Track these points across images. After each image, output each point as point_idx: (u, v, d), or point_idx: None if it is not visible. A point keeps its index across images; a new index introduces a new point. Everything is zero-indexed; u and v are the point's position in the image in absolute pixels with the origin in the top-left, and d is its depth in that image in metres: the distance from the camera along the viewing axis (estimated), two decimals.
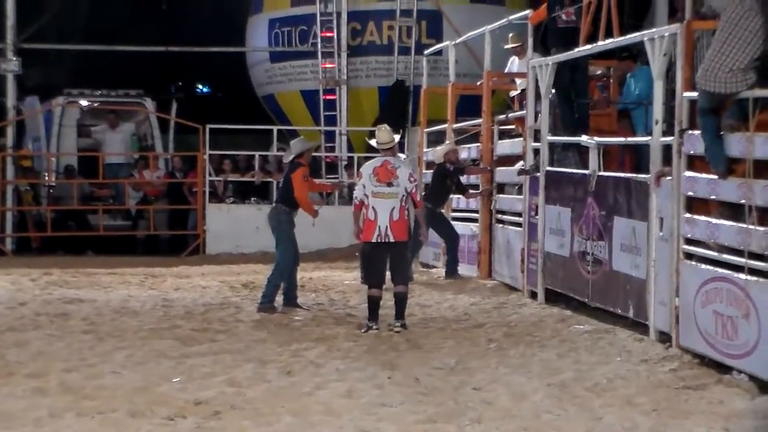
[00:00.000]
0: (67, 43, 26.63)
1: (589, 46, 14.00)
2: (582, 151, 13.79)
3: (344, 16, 24.36)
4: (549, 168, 14.33)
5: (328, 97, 24.49)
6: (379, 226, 12.62)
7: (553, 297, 14.21)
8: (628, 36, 12.87)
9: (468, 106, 19.27)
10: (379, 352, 11.42)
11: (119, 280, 17.63)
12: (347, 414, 8.84)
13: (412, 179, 12.82)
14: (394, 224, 12.62)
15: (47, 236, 22.28)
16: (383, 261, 12.85)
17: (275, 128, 23.31)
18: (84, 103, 24.34)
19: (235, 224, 21.93)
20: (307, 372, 10.38)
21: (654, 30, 12.04)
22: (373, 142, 13.56)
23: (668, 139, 11.26)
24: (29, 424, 8.49)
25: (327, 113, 24.30)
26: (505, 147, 16.86)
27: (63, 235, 22.23)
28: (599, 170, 12.93)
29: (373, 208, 12.66)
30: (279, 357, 11.03)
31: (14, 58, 22.87)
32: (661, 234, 11.28)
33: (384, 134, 13.17)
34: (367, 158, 19.93)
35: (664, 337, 11.15)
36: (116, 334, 12.47)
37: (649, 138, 11.83)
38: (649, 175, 11.53)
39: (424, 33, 24.52)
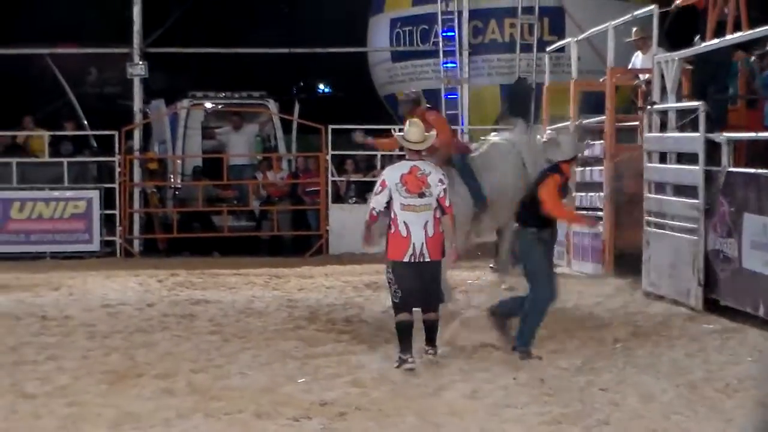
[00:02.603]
0: (191, 46, 26.95)
1: (716, 40, 13.75)
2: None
3: (465, 14, 24.25)
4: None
5: (450, 96, 24.42)
6: (414, 244, 10.72)
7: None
8: (758, 29, 12.61)
9: (591, 103, 19.04)
10: (503, 352, 11.33)
11: (244, 280, 17.77)
12: (471, 415, 8.81)
13: (441, 183, 10.86)
14: (430, 241, 10.75)
15: (173, 237, 22.58)
16: (417, 282, 10.81)
17: (397, 128, 23.28)
18: (208, 105, 24.61)
19: (357, 224, 21.82)
20: (431, 372, 10.35)
21: None
22: (400, 139, 11.14)
23: None
24: (158, 425, 8.61)
25: (449, 112, 24.22)
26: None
27: (189, 237, 22.51)
28: (729, 166, 12.68)
29: (404, 223, 10.73)
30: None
31: (140, 63, 23.20)
32: None
33: (415, 131, 11.01)
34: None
35: None
36: (242, 335, 12.58)
37: None
38: None
39: (546, 30, 24.31)
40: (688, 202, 13.82)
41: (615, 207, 16.78)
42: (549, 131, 18.08)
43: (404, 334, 10.75)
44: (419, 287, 10.79)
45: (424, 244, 10.72)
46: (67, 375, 10.40)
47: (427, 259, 10.75)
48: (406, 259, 10.73)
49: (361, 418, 8.78)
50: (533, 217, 11.11)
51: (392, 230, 10.82)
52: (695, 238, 13.48)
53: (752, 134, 13.51)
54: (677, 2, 15.22)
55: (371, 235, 11.18)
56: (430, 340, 11.00)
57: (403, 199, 10.74)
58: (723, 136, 12.90)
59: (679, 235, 14.02)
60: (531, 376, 10.13)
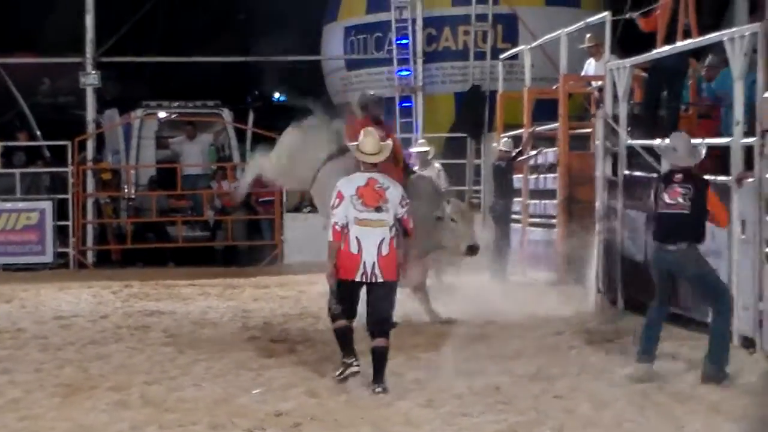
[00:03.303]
0: (144, 55, 26.85)
1: (667, 47, 13.84)
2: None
3: (419, 22, 24.30)
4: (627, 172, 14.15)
5: (404, 104, 24.46)
6: (365, 262, 9.95)
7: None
8: (707, 36, 12.70)
9: (544, 110, 19.12)
10: (458, 360, 11.34)
11: (198, 291, 17.73)
12: (427, 424, 8.82)
13: (404, 203, 10.18)
14: (383, 260, 9.96)
15: (127, 248, 22.47)
16: (357, 297, 10.15)
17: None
18: (162, 114, 24.53)
19: (312, 233, 21.89)
20: (387, 382, 10.34)
21: (734, 29, 11.86)
22: (353, 150, 10.43)
23: (750, 140, 11.08)
24: None
25: (403, 120, 24.26)
26: None
27: (143, 247, 22.41)
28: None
29: (356, 238, 9.98)
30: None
31: (94, 72, 23.09)
32: (743, 237, 11.10)
33: (370, 142, 10.27)
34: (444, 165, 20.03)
35: (748, 342, 10.97)
36: (196, 346, 12.54)
37: (730, 139, 11.65)
38: (730, 177, 11.36)
39: (499, 37, 24.37)
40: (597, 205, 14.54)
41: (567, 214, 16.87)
42: (505, 139, 18.33)
43: (343, 339, 10.21)
44: (355, 300, 10.13)
45: (376, 264, 9.96)
46: (19, 388, 10.31)
47: (380, 280, 10.00)
48: (357, 279, 9.99)
49: (316, 428, 8.78)
50: (700, 232, 10.36)
51: (342, 247, 10.04)
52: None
53: (699, 140, 13.64)
54: (632, 15, 15.35)
55: (335, 266, 10.13)
56: (378, 373, 10.07)
57: (358, 213, 9.99)
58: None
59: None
60: (486, 385, 10.15)
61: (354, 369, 10.15)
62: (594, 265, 14.61)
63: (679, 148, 10.54)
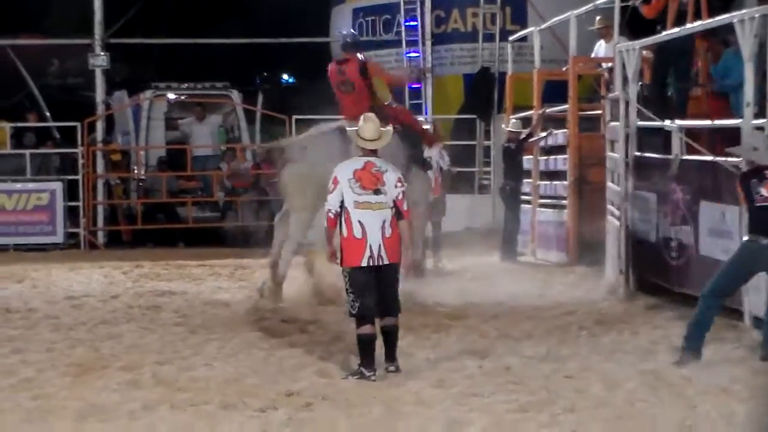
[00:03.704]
0: (153, 37, 26.84)
1: (676, 29, 13.82)
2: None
3: (428, 4, 24.26)
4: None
5: (414, 86, 24.43)
6: (371, 246, 9.87)
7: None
8: (717, 18, 12.67)
9: (554, 92, 19.10)
10: (469, 341, 11.37)
11: (209, 271, 17.75)
12: (438, 404, 8.83)
13: (399, 184, 10.06)
14: (387, 242, 9.91)
15: (138, 229, 22.50)
16: (374, 288, 10.00)
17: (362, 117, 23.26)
18: (171, 96, 24.51)
19: (322, 215, 21.85)
20: (399, 361, 10.35)
21: (744, 11, 11.84)
22: (353, 135, 10.43)
23: (760, 121, 11.07)
24: (123, 417, 8.59)
25: (413, 102, 24.25)
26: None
27: (153, 228, 22.44)
28: (682, 154, 12.77)
29: (359, 222, 9.90)
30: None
31: (102, 53, 23.09)
32: None
33: (370, 127, 10.23)
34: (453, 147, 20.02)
35: (759, 323, 10.97)
36: (207, 326, 12.57)
37: (740, 121, 11.64)
38: (740, 158, 11.34)
39: (508, 19, 24.32)
40: (616, 189, 14.21)
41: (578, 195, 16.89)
42: (514, 120, 18.34)
43: (366, 348, 9.95)
44: (377, 294, 9.99)
45: (382, 246, 9.89)
46: (31, 368, 10.34)
47: (386, 262, 9.92)
48: (363, 264, 9.89)
49: (327, 408, 8.79)
50: None
51: (345, 234, 9.95)
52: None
53: (707, 122, 13.62)
54: (635, 2, 15.34)
55: (335, 248, 10.17)
56: (390, 351, 10.09)
57: (357, 196, 9.92)
58: (674, 124, 12.99)
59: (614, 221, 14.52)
60: (497, 365, 10.17)
61: (373, 380, 9.82)
62: (615, 247, 14.49)
63: (760, 146, 10.38)
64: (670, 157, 13.02)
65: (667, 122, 13.32)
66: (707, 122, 13.68)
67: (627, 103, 14.08)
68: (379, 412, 8.60)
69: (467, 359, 10.44)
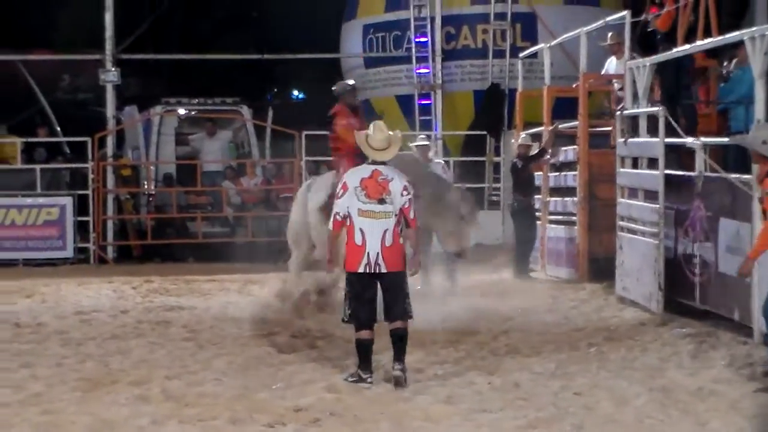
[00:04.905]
0: (163, 52, 26.92)
1: (687, 46, 13.82)
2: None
3: (438, 20, 24.34)
4: None
5: (423, 102, 24.48)
6: (368, 253, 10.05)
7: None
8: (728, 35, 12.68)
9: (564, 109, 19.10)
10: (478, 357, 11.36)
11: (218, 287, 17.75)
12: (446, 420, 8.83)
13: (405, 192, 10.18)
14: (386, 251, 10.06)
15: (147, 244, 22.52)
16: (373, 295, 10.26)
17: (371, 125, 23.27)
18: (182, 111, 24.55)
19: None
20: (405, 363, 10.32)
21: (755, 29, 11.85)
22: (361, 142, 10.49)
23: None
24: None
25: (422, 118, 24.30)
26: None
27: (163, 243, 22.46)
28: (705, 171, 12.74)
29: (360, 230, 10.09)
30: (378, 363, 11.00)
31: (113, 69, 23.16)
32: None
33: (380, 136, 10.38)
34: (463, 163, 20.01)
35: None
36: (216, 341, 12.57)
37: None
38: (752, 176, 11.34)
39: (518, 36, 24.39)
40: (650, 206, 13.89)
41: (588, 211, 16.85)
42: (524, 135, 18.35)
43: (363, 352, 10.23)
44: (372, 299, 10.20)
45: (380, 254, 10.06)
46: (40, 382, 10.37)
47: (383, 270, 10.08)
48: (360, 270, 10.10)
49: (335, 424, 8.79)
50: None
51: (347, 239, 10.19)
52: (656, 242, 13.55)
53: (726, 139, 13.56)
54: (648, 17, 15.34)
55: (335, 253, 10.47)
56: (399, 354, 10.16)
57: (362, 204, 10.11)
58: (698, 141, 12.96)
59: (643, 239, 14.09)
60: (505, 381, 10.16)
61: (367, 385, 10.08)
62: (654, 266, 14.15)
63: None
64: (693, 174, 12.98)
65: (691, 139, 13.28)
66: (726, 140, 13.64)
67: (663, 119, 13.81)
68: (386, 428, 8.61)
69: (476, 375, 10.44)
